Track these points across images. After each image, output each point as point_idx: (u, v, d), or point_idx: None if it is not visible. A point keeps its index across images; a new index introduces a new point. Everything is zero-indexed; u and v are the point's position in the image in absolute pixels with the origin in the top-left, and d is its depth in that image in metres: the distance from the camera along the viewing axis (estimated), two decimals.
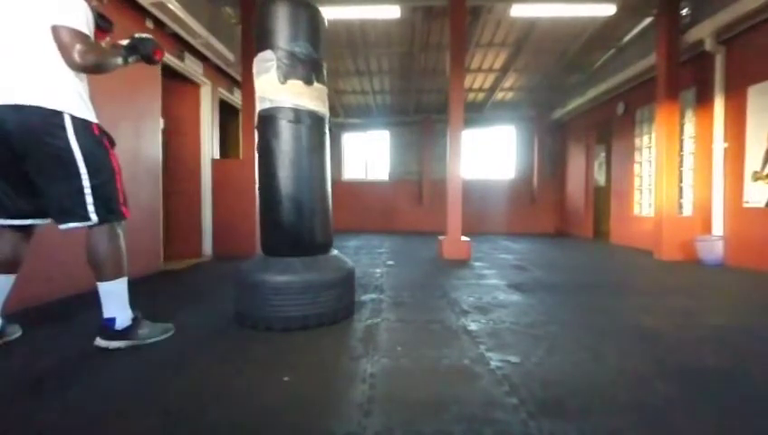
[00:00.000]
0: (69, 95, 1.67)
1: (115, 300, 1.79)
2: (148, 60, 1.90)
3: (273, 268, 2.09)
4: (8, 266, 1.77)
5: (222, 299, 2.59)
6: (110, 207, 1.76)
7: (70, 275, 2.65)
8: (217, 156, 5.42)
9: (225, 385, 1.44)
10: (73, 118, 1.66)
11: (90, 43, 1.67)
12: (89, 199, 1.68)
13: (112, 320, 1.78)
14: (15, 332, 1.89)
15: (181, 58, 4.42)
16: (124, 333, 1.80)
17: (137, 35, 1.88)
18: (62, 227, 1.71)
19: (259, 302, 2.03)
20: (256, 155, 2.31)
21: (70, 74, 1.67)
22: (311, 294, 2.05)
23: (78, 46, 1.62)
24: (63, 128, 1.64)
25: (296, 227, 2.18)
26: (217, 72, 5.33)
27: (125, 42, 1.85)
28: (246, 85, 5.00)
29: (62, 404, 1.29)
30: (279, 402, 1.32)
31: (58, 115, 1.63)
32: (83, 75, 1.75)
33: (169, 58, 4.17)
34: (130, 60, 1.84)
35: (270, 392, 1.39)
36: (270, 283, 2.02)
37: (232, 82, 5.74)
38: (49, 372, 1.55)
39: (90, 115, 1.74)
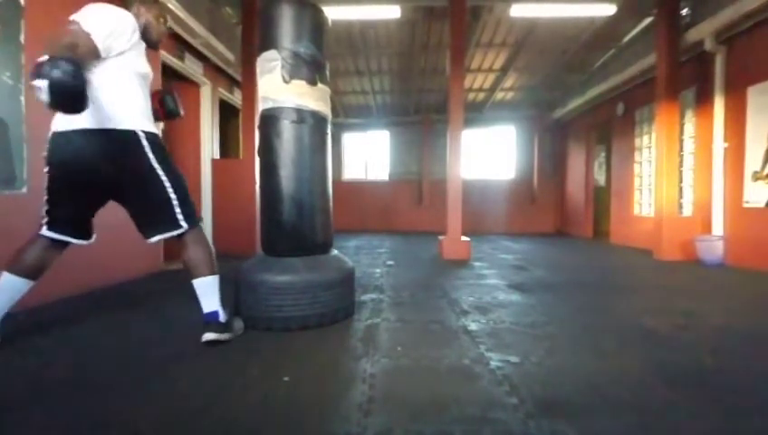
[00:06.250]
0: (135, 113, 1.74)
1: (213, 294, 1.86)
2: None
3: (274, 268, 2.09)
4: (32, 273, 1.77)
5: (221, 299, 2.58)
6: (192, 211, 1.85)
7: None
8: (217, 156, 5.42)
9: (225, 385, 1.44)
10: (145, 133, 1.75)
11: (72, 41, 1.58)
12: (177, 209, 1.78)
13: (216, 313, 1.84)
14: None
15: (181, 58, 4.42)
16: (228, 326, 1.86)
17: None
18: (153, 239, 1.82)
19: (259, 301, 2.03)
20: (258, 155, 2.31)
21: (132, 92, 1.74)
22: (311, 294, 2.04)
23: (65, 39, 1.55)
24: (141, 145, 1.72)
25: (297, 227, 2.18)
26: (217, 72, 5.33)
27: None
28: (246, 85, 5.00)
29: (51, 406, 1.29)
30: (279, 402, 1.32)
31: (133, 134, 1.71)
32: (146, 89, 1.83)
33: (169, 58, 4.18)
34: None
35: (270, 392, 1.39)
36: (270, 282, 2.02)
37: (232, 82, 5.74)
38: (48, 372, 1.55)
39: (154, 128, 1.82)
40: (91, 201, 1.83)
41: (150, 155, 1.74)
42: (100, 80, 1.67)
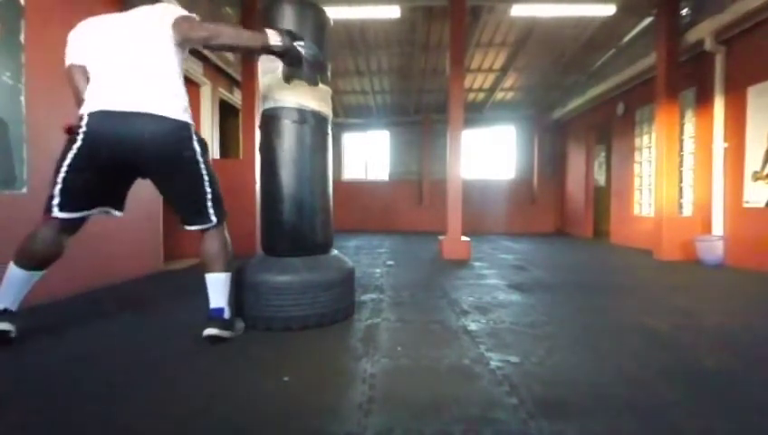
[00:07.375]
0: (186, 108, 1.81)
1: (222, 291, 1.89)
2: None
3: (274, 268, 2.09)
4: (43, 262, 1.77)
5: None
6: (222, 209, 1.91)
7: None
8: (217, 156, 5.42)
9: (224, 385, 1.44)
10: (193, 127, 1.83)
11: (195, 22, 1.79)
12: (209, 204, 1.86)
13: (221, 310, 1.87)
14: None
15: None
16: (231, 324, 1.90)
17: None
18: (189, 228, 1.90)
19: (259, 301, 2.03)
20: (258, 154, 2.32)
21: (184, 85, 1.83)
22: (311, 294, 2.04)
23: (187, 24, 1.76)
24: (192, 140, 1.80)
25: (297, 227, 2.18)
26: (217, 72, 5.33)
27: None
28: (246, 85, 5.00)
29: (50, 406, 1.30)
30: (279, 402, 1.32)
31: (187, 127, 1.79)
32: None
33: None
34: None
35: (270, 392, 1.39)
36: (270, 282, 2.02)
37: (232, 82, 5.75)
38: (47, 372, 1.55)
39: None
40: (120, 181, 1.87)
41: (197, 149, 1.81)
42: (168, 70, 1.75)
